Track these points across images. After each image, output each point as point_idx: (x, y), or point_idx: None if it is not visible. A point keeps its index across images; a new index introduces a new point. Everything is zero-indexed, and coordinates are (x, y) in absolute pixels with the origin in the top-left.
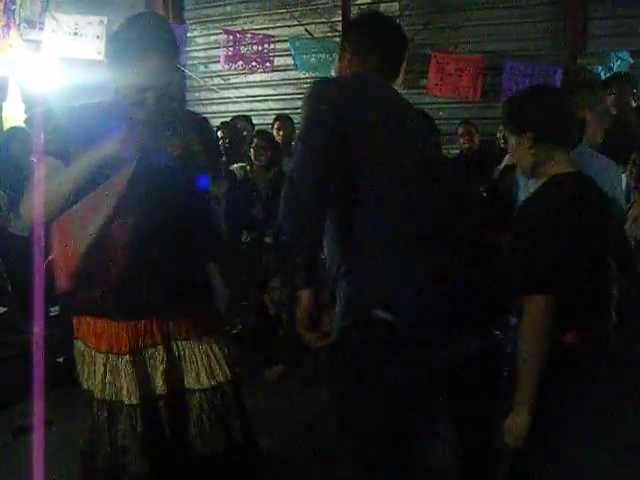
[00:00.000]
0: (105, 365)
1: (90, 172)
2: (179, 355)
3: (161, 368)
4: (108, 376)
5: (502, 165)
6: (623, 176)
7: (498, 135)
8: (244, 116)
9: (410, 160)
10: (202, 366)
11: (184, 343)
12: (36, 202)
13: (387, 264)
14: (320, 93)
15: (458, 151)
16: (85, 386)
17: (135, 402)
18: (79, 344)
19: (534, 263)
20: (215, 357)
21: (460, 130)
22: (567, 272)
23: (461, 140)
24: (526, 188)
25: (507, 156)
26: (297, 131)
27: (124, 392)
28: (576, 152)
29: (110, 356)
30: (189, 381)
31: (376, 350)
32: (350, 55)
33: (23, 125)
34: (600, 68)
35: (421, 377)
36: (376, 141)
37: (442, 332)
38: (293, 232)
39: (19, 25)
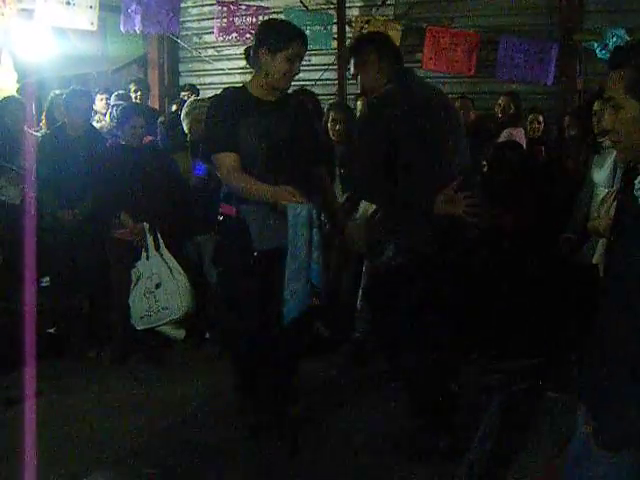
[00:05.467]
0: None
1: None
2: None
3: None
4: None
5: (501, 139)
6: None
7: (496, 109)
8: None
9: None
10: None
11: None
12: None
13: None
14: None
15: None
16: None
17: None
18: None
19: None
20: None
21: (457, 104)
22: None
23: None
24: None
25: (505, 131)
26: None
27: None
28: None
29: None
30: None
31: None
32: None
33: (16, 94)
34: (596, 44)
35: None
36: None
37: None
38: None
39: None
